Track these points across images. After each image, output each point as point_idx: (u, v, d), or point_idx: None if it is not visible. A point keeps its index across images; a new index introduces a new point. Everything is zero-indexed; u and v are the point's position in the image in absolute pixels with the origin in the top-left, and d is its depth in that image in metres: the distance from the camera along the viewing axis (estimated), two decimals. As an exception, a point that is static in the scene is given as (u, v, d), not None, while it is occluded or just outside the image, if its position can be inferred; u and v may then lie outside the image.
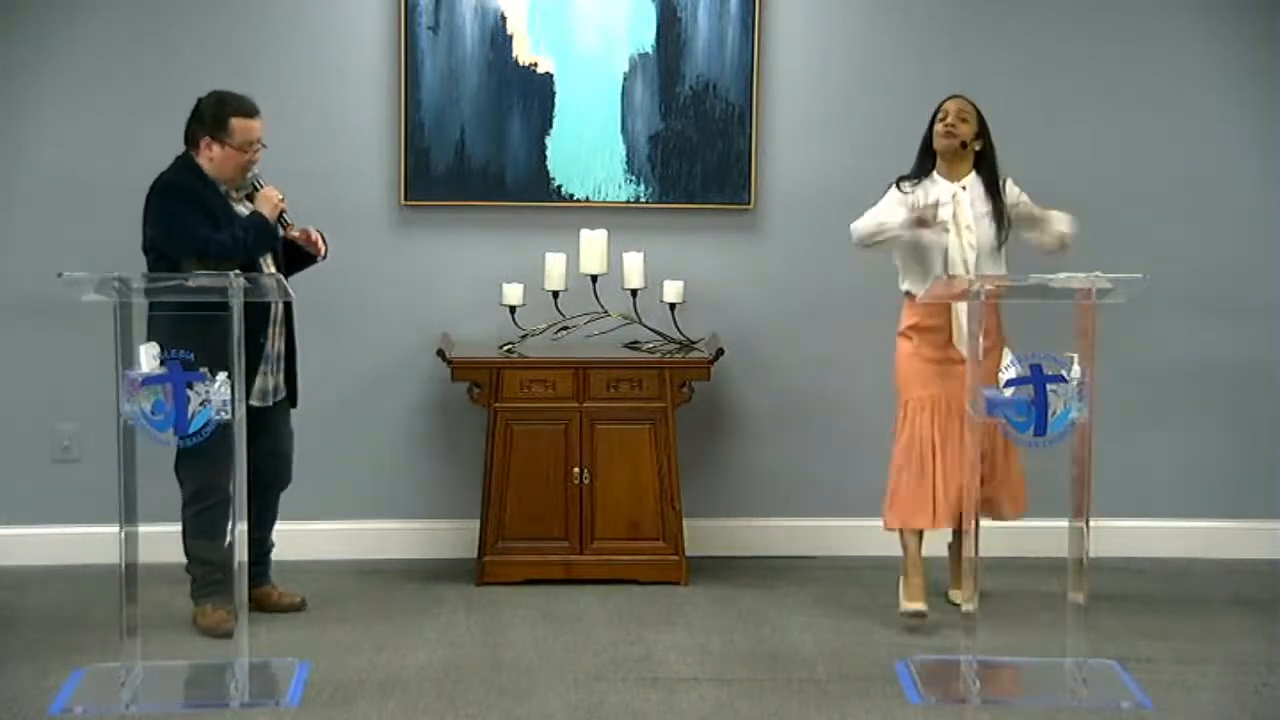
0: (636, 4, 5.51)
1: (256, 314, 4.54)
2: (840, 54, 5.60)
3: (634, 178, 5.57)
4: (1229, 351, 5.71)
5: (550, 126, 5.53)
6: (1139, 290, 4.25)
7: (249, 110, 4.68)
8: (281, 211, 4.71)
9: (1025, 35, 5.60)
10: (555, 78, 5.51)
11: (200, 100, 4.71)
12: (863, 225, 4.90)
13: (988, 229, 4.88)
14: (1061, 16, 5.61)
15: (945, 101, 4.96)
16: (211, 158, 4.66)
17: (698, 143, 5.56)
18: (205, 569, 4.76)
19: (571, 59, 5.51)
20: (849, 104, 5.61)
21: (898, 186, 4.95)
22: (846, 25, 5.60)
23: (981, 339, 4.30)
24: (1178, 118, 5.66)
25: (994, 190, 4.92)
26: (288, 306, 4.83)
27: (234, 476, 4.25)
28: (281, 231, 4.74)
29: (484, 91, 5.50)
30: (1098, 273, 4.23)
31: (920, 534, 4.96)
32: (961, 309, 4.80)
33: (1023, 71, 5.60)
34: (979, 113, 4.94)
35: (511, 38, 5.49)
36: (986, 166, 4.94)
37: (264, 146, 4.73)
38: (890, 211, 4.89)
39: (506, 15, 5.47)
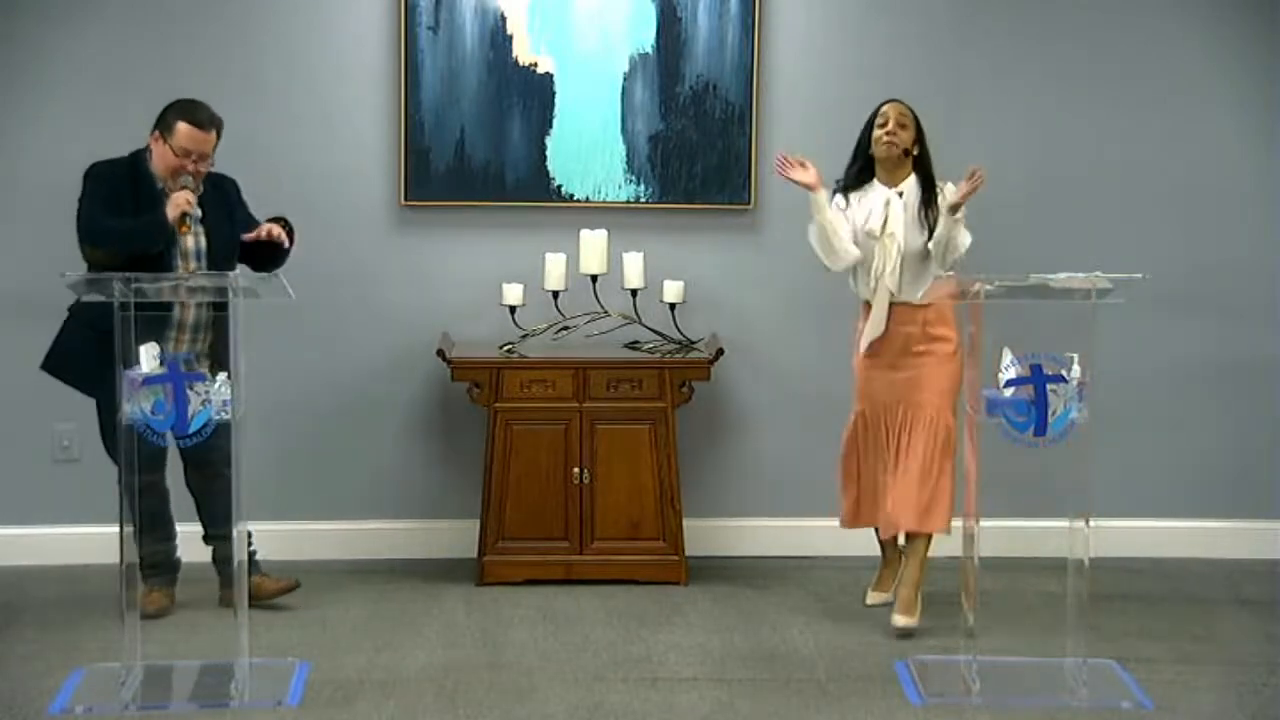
0: (636, 4, 5.51)
1: (154, 319, 4.47)
2: (840, 54, 5.60)
3: (634, 178, 5.57)
4: (1229, 351, 5.72)
5: (550, 126, 5.53)
6: (1139, 290, 4.25)
7: (198, 120, 4.71)
8: (185, 214, 4.64)
9: (1024, 35, 5.60)
10: (555, 78, 5.51)
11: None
12: (817, 243, 4.89)
13: (917, 235, 4.82)
14: (1061, 17, 5.60)
15: (883, 105, 4.88)
16: (155, 152, 4.74)
17: (698, 143, 5.56)
18: (141, 555, 4.78)
19: (571, 59, 5.51)
20: (849, 104, 5.59)
21: (842, 193, 4.91)
22: (846, 25, 5.60)
23: (979, 331, 4.30)
24: (1177, 118, 5.66)
25: (928, 195, 4.85)
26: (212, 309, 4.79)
27: (234, 475, 4.28)
28: (179, 232, 4.66)
29: (484, 91, 5.50)
30: (1098, 273, 4.23)
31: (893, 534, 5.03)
32: (875, 317, 4.81)
33: (1021, 72, 5.60)
34: (916, 118, 4.87)
35: (511, 38, 5.49)
36: (922, 171, 4.87)
37: (207, 163, 4.73)
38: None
39: (506, 15, 5.47)
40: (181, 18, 5.40)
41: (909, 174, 4.88)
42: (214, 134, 4.73)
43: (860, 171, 4.91)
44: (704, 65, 5.54)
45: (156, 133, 4.73)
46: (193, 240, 4.76)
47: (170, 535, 4.92)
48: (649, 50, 5.53)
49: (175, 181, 4.73)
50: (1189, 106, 5.66)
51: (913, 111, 4.89)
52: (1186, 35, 5.63)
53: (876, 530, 5.11)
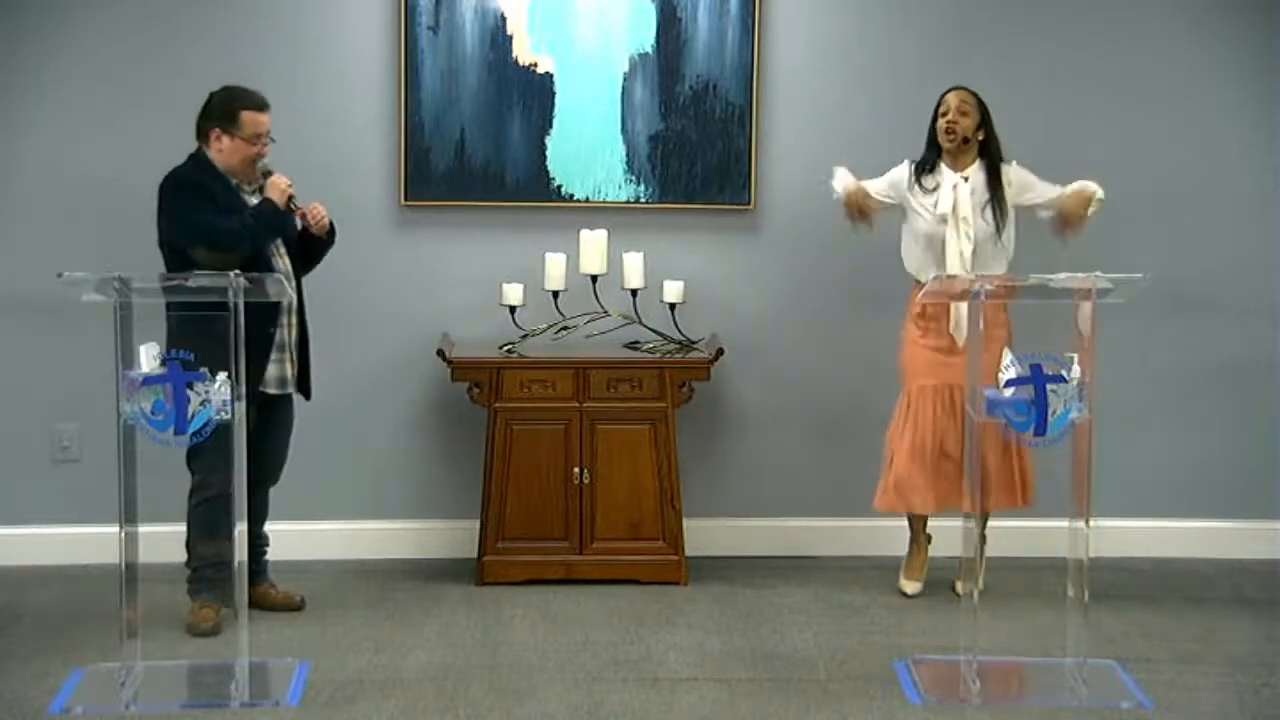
0: (636, 4, 5.51)
1: (271, 303, 4.55)
2: (840, 54, 5.60)
3: (634, 178, 5.57)
4: (1229, 351, 5.71)
5: (550, 126, 5.53)
6: (1139, 290, 4.25)
7: (258, 104, 4.74)
8: (290, 197, 4.75)
9: (1025, 36, 5.60)
10: (555, 78, 5.51)
11: (211, 94, 4.77)
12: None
13: (987, 219, 5.00)
14: (1061, 17, 5.61)
15: (946, 94, 5.08)
16: (221, 150, 4.73)
17: (698, 143, 5.56)
18: (199, 563, 4.78)
19: (571, 59, 5.51)
20: (849, 104, 5.61)
21: (915, 178, 5.07)
22: (846, 25, 5.60)
23: (981, 331, 4.31)
24: (1178, 118, 5.67)
25: (994, 179, 5.02)
26: (301, 296, 4.88)
27: (233, 476, 4.25)
28: (294, 217, 4.77)
29: (484, 91, 5.50)
30: (1098, 273, 4.23)
31: (925, 515, 5.13)
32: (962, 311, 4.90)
33: (1022, 72, 5.60)
34: (980, 102, 5.05)
35: (511, 38, 5.49)
36: (989, 155, 5.05)
37: (272, 140, 4.78)
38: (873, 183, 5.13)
39: (506, 15, 5.47)
40: (181, 17, 5.40)
41: (974, 159, 5.05)
42: (269, 111, 4.76)
43: (928, 159, 5.08)
44: (704, 65, 5.54)
45: (217, 130, 4.71)
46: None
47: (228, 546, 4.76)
48: (649, 50, 5.53)
49: (250, 170, 4.75)
50: (1189, 107, 5.66)
51: (977, 97, 5.05)
52: (1187, 36, 5.63)
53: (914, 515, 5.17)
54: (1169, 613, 5.11)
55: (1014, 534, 5.40)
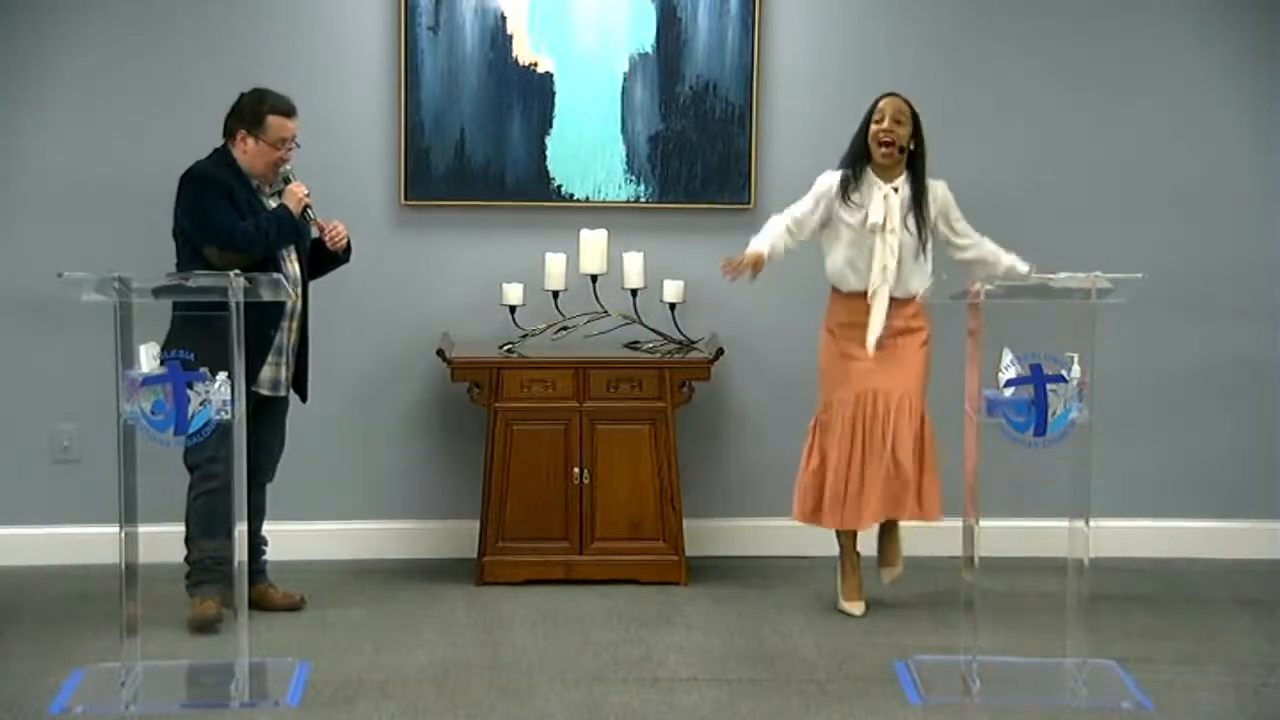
0: (636, 4, 5.51)
1: (273, 306, 4.57)
2: (840, 54, 5.60)
3: (634, 178, 5.57)
4: (1229, 352, 5.72)
5: (550, 126, 5.53)
6: (1139, 290, 4.25)
7: (286, 109, 4.76)
8: (306, 206, 4.77)
9: (1024, 36, 5.60)
10: (555, 78, 5.51)
11: (242, 95, 4.78)
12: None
13: (910, 230, 4.88)
14: (1062, 17, 5.61)
15: (881, 100, 4.91)
16: (245, 151, 4.74)
17: (698, 143, 5.57)
18: (199, 556, 4.78)
19: (571, 59, 5.51)
20: (849, 104, 5.59)
21: (841, 192, 4.89)
22: (846, 25, 5.60)
23: (981, 330, 4.31)
24: (1177, 118, 5.67)
25: (919, 191, 4.89)
26: (305, 301, 4.89)
27: (234, 476, 4.25)
28: (307, 225, 4.81)
29: (484, 91, 5.50)
30: (1098, 273, 4.23)
31: (855, 531, 5.06)
32: (879, 311, 4.83)
33: (1022, 72, 5.60)
34: (914, 112, 4.90)
35: (511, 38, 5.49)
36: (917, 167, 4.91)
37: (297, 146, 4.80)
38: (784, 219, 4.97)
39: (506, 15, 5.47)
40: (181, 17, 5.40)
41: (903, 170, 4.91)
42: (296, 117, 4.78)
43: (854, 167, 4.91)
44: (704, 65, 5.54)
45: (243, 131, 4.72)
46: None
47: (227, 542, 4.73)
48: (649, 50, 5.53)
49: (272, 174, 4.77)
50: (1189, 106, 5.66)
51: (911, 106, 4.90)
52: (1186, 36, 5.63)
53: (843, 533, 5.09)
54: (1169, 613, 5.11)
55: (1013, 534, 5.40)
